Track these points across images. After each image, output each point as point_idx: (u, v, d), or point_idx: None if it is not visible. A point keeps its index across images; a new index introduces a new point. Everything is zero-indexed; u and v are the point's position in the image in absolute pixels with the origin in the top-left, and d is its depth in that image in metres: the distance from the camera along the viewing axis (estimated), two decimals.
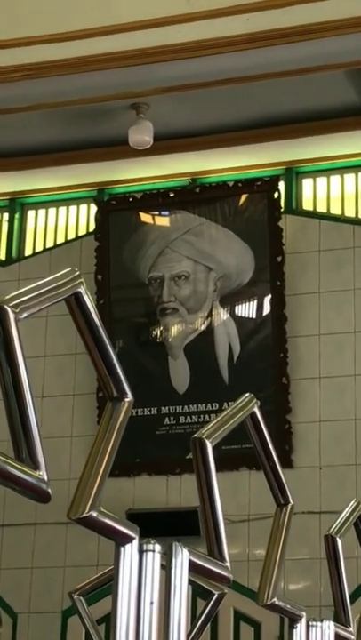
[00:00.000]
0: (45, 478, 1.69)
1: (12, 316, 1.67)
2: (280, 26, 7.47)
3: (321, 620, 2.86)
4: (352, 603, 3.31)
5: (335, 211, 9.15)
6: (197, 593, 3.49)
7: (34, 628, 8.47)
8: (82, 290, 1.94)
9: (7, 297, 1.71)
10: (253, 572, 7.15)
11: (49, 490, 1.70)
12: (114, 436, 1.92)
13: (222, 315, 9.10)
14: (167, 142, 8.96)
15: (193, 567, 2.05)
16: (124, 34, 7.80)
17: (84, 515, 1.75)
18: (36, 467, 1.68)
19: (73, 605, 4.90)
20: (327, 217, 9.05)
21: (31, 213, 9.96)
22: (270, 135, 9.01)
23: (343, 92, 8.62)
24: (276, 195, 8.99)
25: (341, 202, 9.22)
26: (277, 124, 8.99)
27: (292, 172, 9.25)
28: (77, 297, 1.95)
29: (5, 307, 1.67)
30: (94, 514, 1.77)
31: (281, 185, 9.10)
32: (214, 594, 3.41)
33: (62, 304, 2.01)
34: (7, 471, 1.59)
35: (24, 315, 1.71)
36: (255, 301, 9.09)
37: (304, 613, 2.71)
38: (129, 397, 2.02)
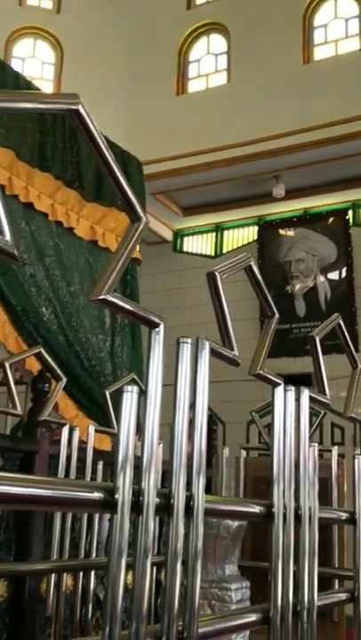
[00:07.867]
0: (237, 356, 1.68)
1: (218, 277, 1.69)
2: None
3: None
4: None
5: None
6: None
7: (231, 430, 9.48)
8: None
9: (215, 268, 1.72)
10: None
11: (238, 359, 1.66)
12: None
13: (321, 278, 9.60)
14: (293, 193, 9.72)
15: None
16: (265, 142, 8.83)
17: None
18: (231, 348, 1.68)
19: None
20: None
21: (226, 233, 10.60)
22: (345, 186, 9.60)
23: None
24: (346, 217, 9.69)
25: None
26: (348, 180, 9.50)
27: (356, 206, 9.80)
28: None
29: (215, 272, 1.70)
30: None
31: (349, 212, 9.75)
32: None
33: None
34: (219, 351, 1.63)
35: (224, 276, 1.72)
36: (337, 271, 9.58)
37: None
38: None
